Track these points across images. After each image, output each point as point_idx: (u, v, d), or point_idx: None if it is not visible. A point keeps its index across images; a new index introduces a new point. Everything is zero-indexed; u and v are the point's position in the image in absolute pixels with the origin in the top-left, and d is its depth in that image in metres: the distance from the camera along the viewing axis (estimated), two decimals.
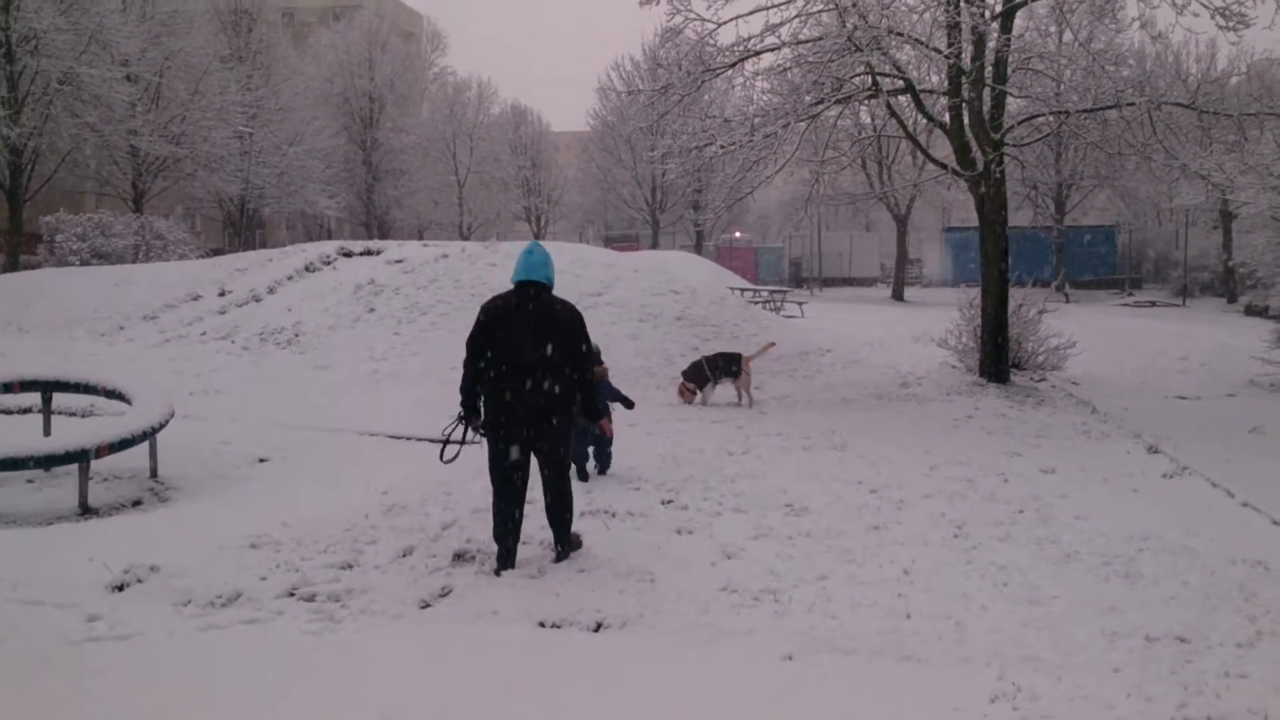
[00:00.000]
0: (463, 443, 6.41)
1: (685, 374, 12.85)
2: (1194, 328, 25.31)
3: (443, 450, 6.44)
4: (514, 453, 6.18)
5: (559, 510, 6.40)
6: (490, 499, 6.37)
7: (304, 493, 8.23)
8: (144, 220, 28.96)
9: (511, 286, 6.30)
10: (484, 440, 6.31)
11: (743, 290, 27.61)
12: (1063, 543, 6.80)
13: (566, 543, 6.44)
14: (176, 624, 5.31)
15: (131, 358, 14.92)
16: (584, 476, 8.47)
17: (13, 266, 27.02)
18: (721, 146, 13.56)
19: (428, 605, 5.67)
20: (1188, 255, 38.59)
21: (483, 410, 6.28)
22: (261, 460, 9.55)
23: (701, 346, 15.05)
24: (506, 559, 6.24)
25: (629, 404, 9.02)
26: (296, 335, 16.07)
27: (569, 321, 6.20)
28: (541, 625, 5.39)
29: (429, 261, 18.64)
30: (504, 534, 6.25)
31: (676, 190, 45.63)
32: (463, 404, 6.32)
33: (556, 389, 6.15)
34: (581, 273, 17.68)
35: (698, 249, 47.23)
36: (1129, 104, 13.45)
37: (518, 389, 6.08)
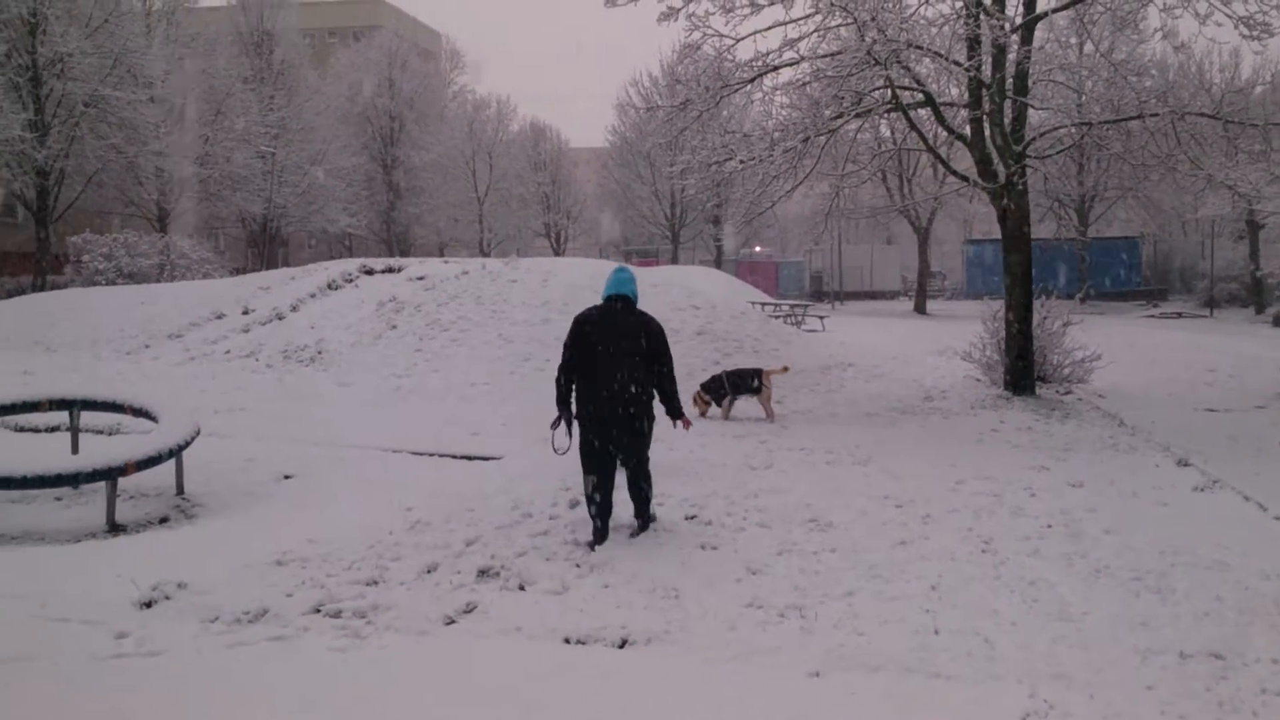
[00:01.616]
0: (568, 433, 7.17)
1: (704, 385, 12.85)
2: (1222, 339, 25.10)
3: (554, 444, 7.22)
4: (602, 445, 7.04)
5: (640, 493, 7.24)
6: (578, 481, 7.33)
7: (329, 509, 8.24)
8: (168, 240, 29.23)
9: (601, 301, 7.33)
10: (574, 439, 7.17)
11: (763, 305, 27.57)
12: (1092, 558, 6.72)
13: (645, 517, 7.30)
14: (204, 641, 5.32)
15: (157, 376, 15.03)
16: None
17: (41, 286, 27.31)
18: (741, 161, 13.56)
19: (453, 621, 5.66)
20: (1214, 266, 38.31)
21: (575, 406, 7.14)
22: (286, 477, 9.58)
23: (723, 361, 15.03)
24: (601, 535, 7.07)
25: None
26: (319, 352, 16.16)
27: (654, 331, 7.15)
28: (566, 641, 5.37)
29: (450, 278, 18.72)
30: (598, 513, 7.11)
31: (696, 205, 45.66)
32: (558, 404, 7.13)
33: (642, 391, 7.06)
34: (601, 288, 17.68)
35: (718, 264, 47.20)
36: (1152, 115, 13.38)
37: (609, 390, 6.94)
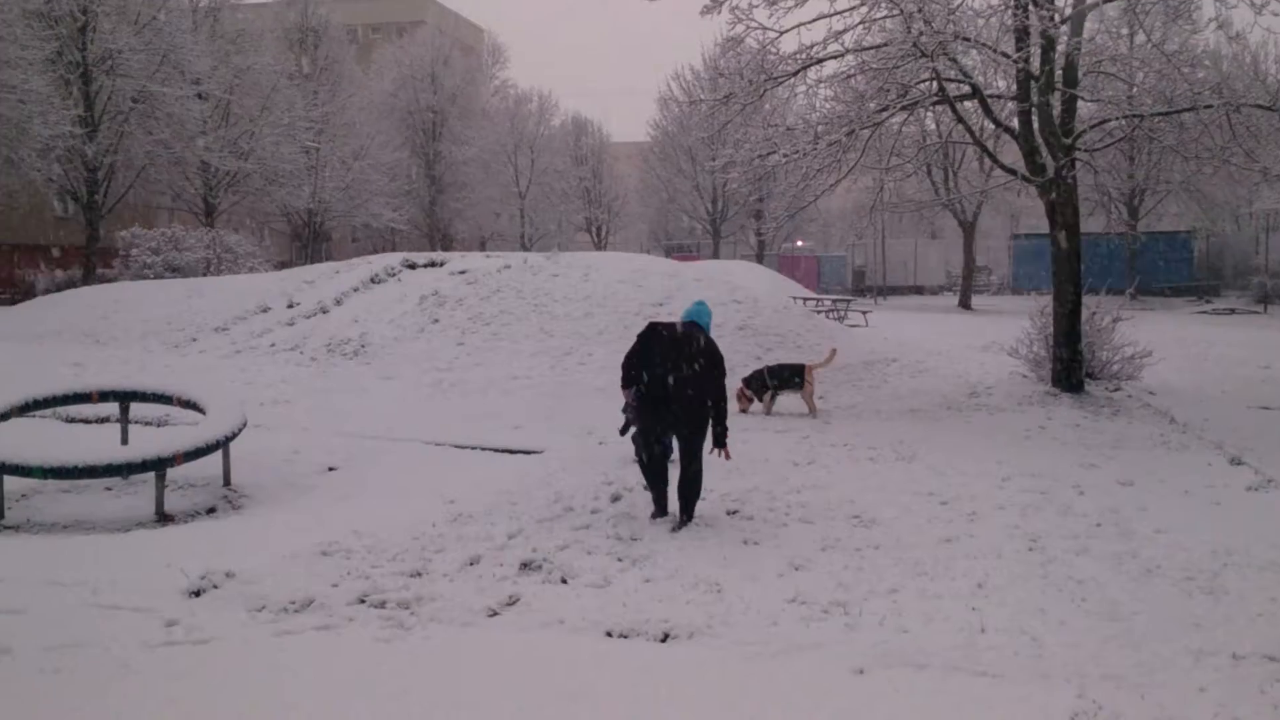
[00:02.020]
0: (636, 415, 7.98)
1: (746, 380, 12.79)
2: (1276, 335, 24.60)
3: (624, 409, 8.28)
4: (657, 444, 7.78)
5: (689, 490, 7.60)
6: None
7: (372, 501, 8.31)
8: (215, 234, 29.58)
9: (678, 321, 8.06)
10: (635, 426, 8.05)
11: (805, 299, 27.43)
12: (1143, 557, 6.60)
13: (689, 514, 7.56)
14: (252, 629, 5.38)
15: (204, 368, 15.20)
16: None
17: (89, 280, 27.75)
18: (784, 155, 13.46)
19: (495, 614, 5.68)
20: (1269, 261, 37.52)
21: (637, 406, 7.81)
22: (330, 469, 9.67)
23: (765, 356, 14.96)
24: (661, 508, 7.69)
25: None
26: (363, 346, 16.26)
27: (715, 362, 7.72)
28: (608, 635, 5.37)
29: (492, 273, 18.78)
30: (657, 494, 7.75)
31: (738, 199, 45.48)
32: (624, 382, 7.79)
33: (697, 404, 7.59)
34: (643, 283, 17.68)
35: (759, 258, 47.02)
36: (1206, 106, 13.12)
37: (668, 398, 7.56)
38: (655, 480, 7.78)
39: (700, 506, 7.84)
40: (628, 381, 7.80)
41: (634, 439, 8.21)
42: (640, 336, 7.79)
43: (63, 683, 4.69)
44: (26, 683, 4.68)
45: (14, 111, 24.07)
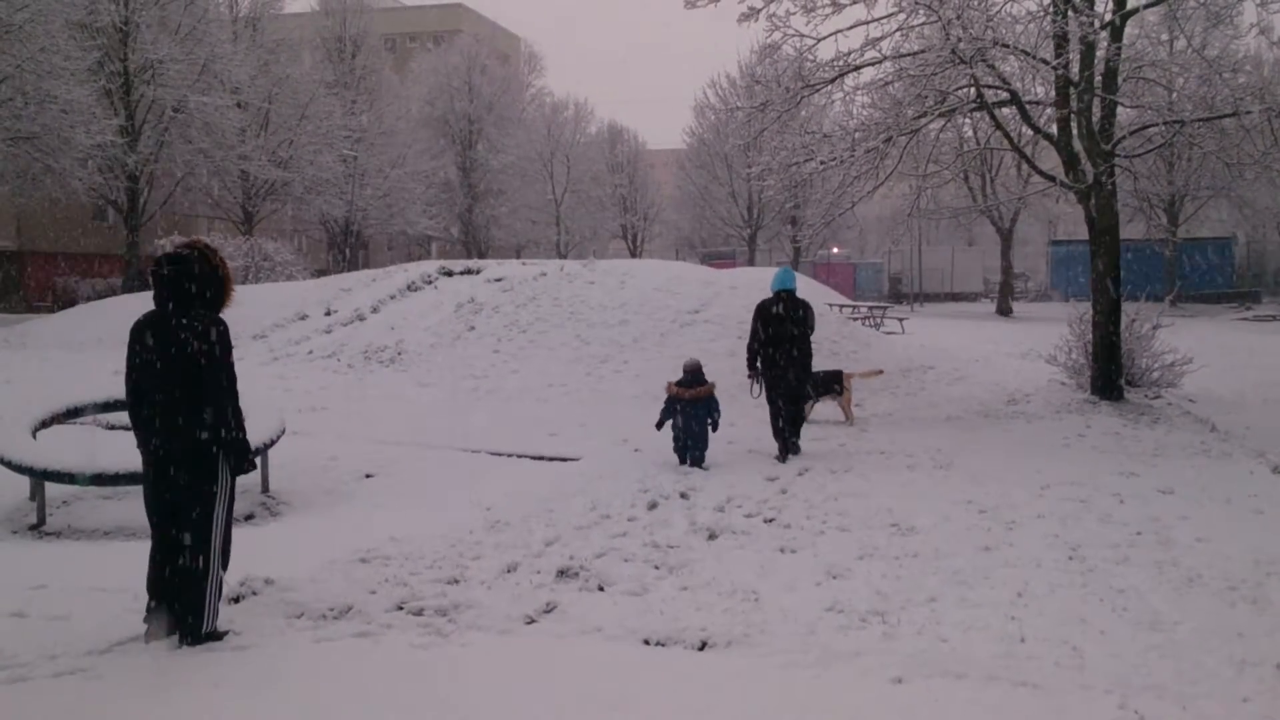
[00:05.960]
0: (759, 385, 10.51)
1: None
2: None
3: (751, 393, 10.63)
4: (777, 394, 10.25)
5: (791, 430, 10.31)
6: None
7: (409, 508, 8.35)
8: (253, 242, 29.90)
9: (771, 293, 10.46)
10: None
11: (842, 306, 27.30)
12: (1184, 566, 6.52)
13: (792, 448, 10.28)
14: (290, 636, 5.41)
15: (242, 375, 15.22)
16: (701, 463, 9.86)
17: (130, 288, 28.14)
18: (821, 162, 13.44)
19: (533, 621, 5.68)
20: None
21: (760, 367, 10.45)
22: (368, 476, 9.73)
23: None
24: (784, 452, 10.22)
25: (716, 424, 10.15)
26: (399, 353, 16.39)
27: (807, 315, 10.39)
28: (646, 643, 5.36)
29: (528, 280, 18.86)
30: (779, 436, 10.28)
31: (774, 207, 45.42)
32: (749, 363, 10.55)
33: (801, 355, 10.32)
34: (679, 290, 17.68)
35: (795, 265, 46.86)
36: (1247, 112, 12.96)
37: (779, 355, 10.24)
38: (782, 429, 10.15)
39: (737, 515, 7.86)
40: (753, 364, 10.38)
41: (767, 399, 10.41)
42: (754, 324, 10.27)
43: (104, 689, 4.73)
44: (69, 688, 4.74)
45: (56, 121, 24.44)
